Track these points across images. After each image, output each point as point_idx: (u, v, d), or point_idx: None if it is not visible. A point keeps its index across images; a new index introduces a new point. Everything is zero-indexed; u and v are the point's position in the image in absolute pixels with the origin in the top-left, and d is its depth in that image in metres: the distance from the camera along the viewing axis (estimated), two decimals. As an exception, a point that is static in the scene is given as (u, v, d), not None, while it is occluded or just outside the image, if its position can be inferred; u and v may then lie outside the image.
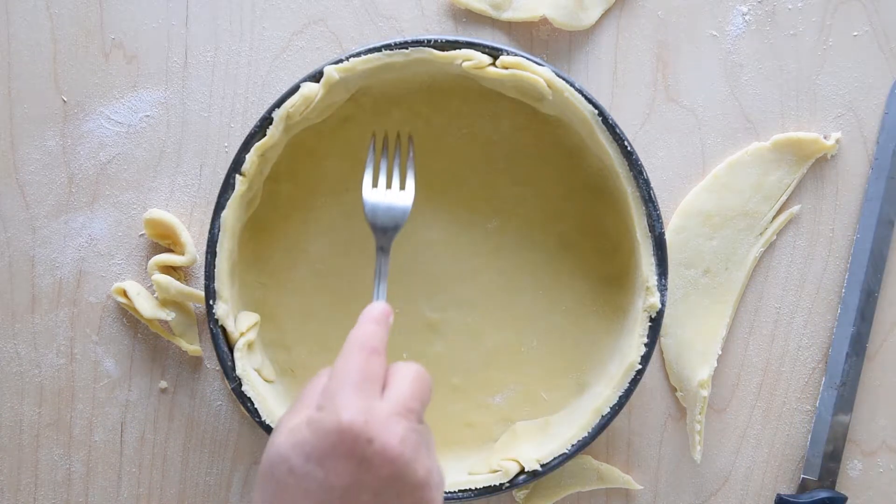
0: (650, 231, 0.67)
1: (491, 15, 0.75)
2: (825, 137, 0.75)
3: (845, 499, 0.74)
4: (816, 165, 0.76)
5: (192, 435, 0.76)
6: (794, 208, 0.76)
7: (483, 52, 0.67)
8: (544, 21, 0.74)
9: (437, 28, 0.75)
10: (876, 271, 0.75)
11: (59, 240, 0.76)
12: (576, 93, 0.66)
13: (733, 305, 0.75)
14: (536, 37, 0.75)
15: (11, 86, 0.75)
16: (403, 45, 0.66)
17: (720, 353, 0.74)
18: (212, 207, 0.67)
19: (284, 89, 0.67)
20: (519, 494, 0.76)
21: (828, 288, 0.76)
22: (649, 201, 0.67)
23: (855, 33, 0.75)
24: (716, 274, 0.75)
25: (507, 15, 0.74)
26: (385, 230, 0.66)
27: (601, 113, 0.66)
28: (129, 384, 0.76)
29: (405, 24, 0.75)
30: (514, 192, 0.74)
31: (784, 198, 0.75)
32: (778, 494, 0.75)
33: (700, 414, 0.73)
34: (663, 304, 0.67)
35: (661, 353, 0.76)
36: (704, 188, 0.75)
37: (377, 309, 0.57)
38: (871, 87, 0.75)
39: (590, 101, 0.66)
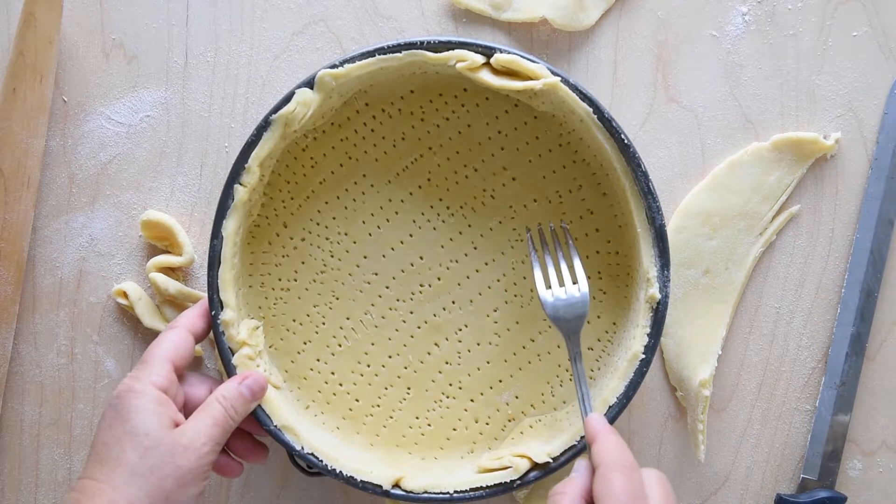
0: (650, 223, 0.67)
1: (491, 15, 0.75)
2: (825, 137, 0.75)
3: (845, 499, 0.74)
4: (816, 165, 0.76)
5: (192, 435, 0.76)
6: (794, 208, 0.76)
7: (477, 52, 0.67)
8: (544, 21, 0.74)
9: (437, 28, 0.75)
10: (876, 271, 0.75)
11: (59, 240, 0.76)
12: (570, 91, 0.66)
13: (733, 305, 0.75)
14: (536, 37, 0.75)
15: (12, 86, 0.75)
16: (397, 48, 0.66)
17: (720, 353, 0.74)
18: (212, 207, 0.67)
19: (285, 90, 0.67)
20: (519, 495, 0.76)
21: (827, 288, 0.76)
22: (648, 193, 0.66)
23: (855, 33, 0.75)
24: (716, 274, 0.75)
25: (506, 15, 0.74)
26: (569, 322, 0.67)
27: (596, 108, 0.66)
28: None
29: (405, 25, 0.75)
30: (515, 189, 0.74)
31: (784, 198, 0.75)
32: (778, 494, 0.75)
33: (702, 414, 0.73)
34: (665, 294, 0.66)
35: (662, 353, 0.76)
36: (704, 188, 0.75)
37: (600, 420, 0.61)
38: (871, 87, 0.75)
39: (585, 96, 0.66)
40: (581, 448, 0.67)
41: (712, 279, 0.75)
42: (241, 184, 0.66)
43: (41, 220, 0.75)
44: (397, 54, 0.66)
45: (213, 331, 0.67)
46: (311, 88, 0.66)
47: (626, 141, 0.66)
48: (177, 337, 0.64)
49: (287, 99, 0.66)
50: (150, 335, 0.76)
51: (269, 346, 0.73)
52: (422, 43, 0.66)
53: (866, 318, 0.75)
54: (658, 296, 0.66)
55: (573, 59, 0.76)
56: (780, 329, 0.76)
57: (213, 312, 0.67)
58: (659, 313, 0.67)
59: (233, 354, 0.68)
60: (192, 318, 0.67)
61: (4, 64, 0.74)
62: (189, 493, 0.60)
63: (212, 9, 0.75)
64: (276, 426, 0.67)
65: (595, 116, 0.66)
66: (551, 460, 0.67)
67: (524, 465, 0.67)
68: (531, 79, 0.67)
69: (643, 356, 0.67)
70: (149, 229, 0.75)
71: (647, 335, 0.67)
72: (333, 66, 0.66)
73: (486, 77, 0.67)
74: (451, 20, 0.75)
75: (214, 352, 0.75)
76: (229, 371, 0.67)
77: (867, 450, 0.76)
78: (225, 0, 0.75)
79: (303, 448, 0.67)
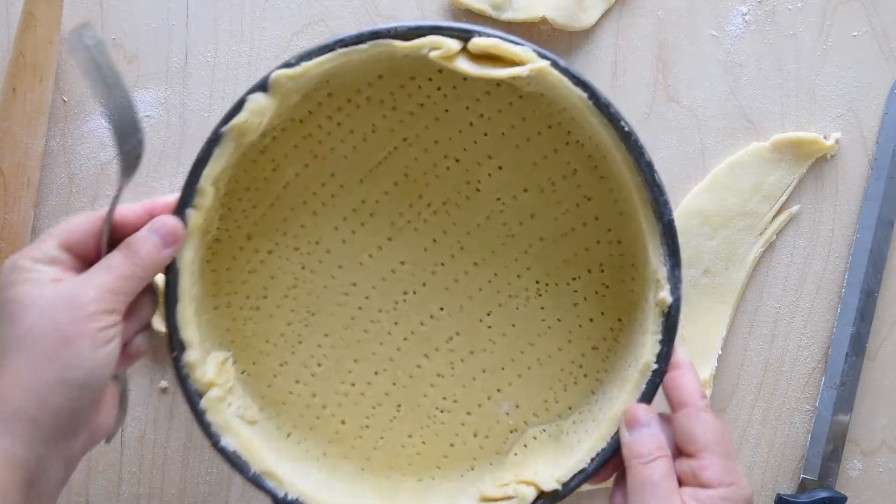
0: (657, 218, 0.59)
1: (491, 15, 0.75)
2: (825, 137, 0.75)
3: (845, 499, 0.74)
4: (816, 165, 0.76)
5: (192, 435, 0.76)
6: (794, 208, 0.76)
7: (452, 36, 0.59)
8: (544, 21, 0.74)
9: (437, 28, 0.75)
10: (876, 271, 0.75)
11: (59, 240, 0.76)
12: (561, 75, 0.58)
13: (733, 305, 0.75)
14: (536, 37, 0.75)
15: (12, 86, 0.75)
16: (360, 38, 0.58)
17: (720, 353, 0.74)
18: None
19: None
20: (519, 494, 0.75)
21: (827, 288, 0.76)
22: (654, 185, 0.59)
23: (855, 33, 0.75)
24: (716, 274, 0.75)
25: (507, 15, 0.74)
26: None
27: (592, 93, 0.58)
28: (130, 384, 0.76)
29: (405, 25, 0.75)
30: (503, 179, 0.67)
31: (784, 198, 0.75)
32: (778, 494, 0.75)
33: (700, 414, 0.73)
34: (677, 297, 0.59)
35: (661, 353, 0.76)
36: (704, 188, 0.75)
37: (685, 353, 0.60)
38: (871, 87, 0.76)
39: (578, 80, 0.58)
40: (592, 472, 0.60)
41: (712, 279, 0.75)
42: (193, 207, 0.58)
43: (41, 220, 0.75)
44: (361, 46, 0.58)
45: (176, 374, 0.60)
46: (266, 91, 0.58)
47: (626, 128, 0.58)
48: (77, 217, 0.54)
49: (238, 106, 0.58)
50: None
51: (242, 373, 0.66)
52: (389, 31, 0.58)
53: (866, 318, 0.75)
54: (669, 299, 0.59)
55: (573, 59, 0.76)
56: (780, 329, 0.76)
57: (173, 354, 0.59)
58: (671, 318, 0.59)
59: (201, 397, 0.60)
60: (124, 210, 0.55)
61: (4, 64, 0.74)
62: (83, 357, 0.50)
63: (212, 9, 0.75)
64: (254, 472, 0.60)
65: (591, 102, 0.58)
66: (560, 486, 0.61)
67: (530, 494, 0.61)
68: (516, 64, 0.59)
69: (655, 366, 0.59)
70: (149, 229, 0.75)
71: (659, 342, 0.59)
72: (288, 65, 0.58)
73: (464, 66, 0.59)
74: (451, 20, 0.75)
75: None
76: (198, 417, 0.60)
77: (867, 450, 0.76)
78: (225, 0, 0.75)
79: (287, 495, 0.61)
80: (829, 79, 0.76)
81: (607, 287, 0.67)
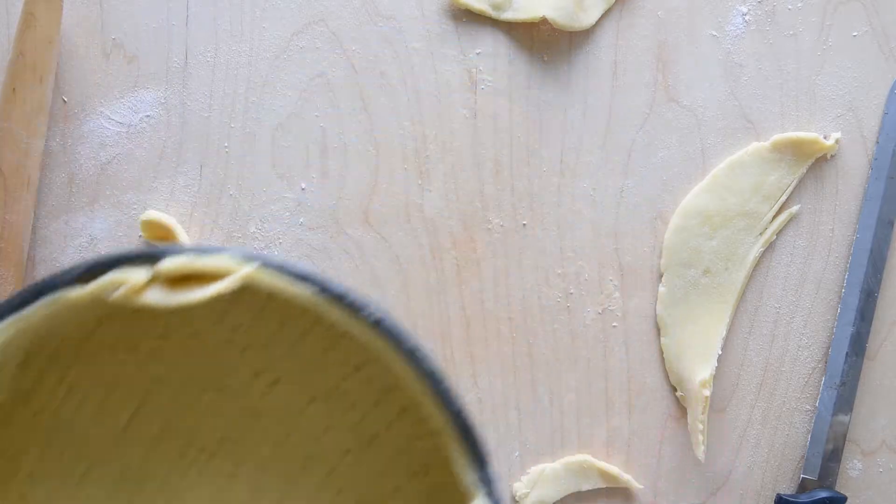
0: (447, 412, 0.45)
1: (491, 15, 0.75)
2: (825, 137, 0.75)
3: (845, 499, 0.74)
4: (816, 165, 0.76)
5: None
6: (794, 208, 0.76)
7: (138, 264, 0.45)
8: (544, 21, 0.74)
9: (438, 28, 0.75)
10: (876, 271, 0.75)
11: (59, 240, 0.76)
12: (276, 277, 0.45)
13: (733, 305, 0.75)
14: (537, 37, 0.76)
15: (11, 86, 0.75)
16: (23, 300, 0.44)
17: (720, 353, 0.74)
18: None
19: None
20: (519, 495, 0.76)
21: (827, 288, 0.76)
22: (427, 375, 0.45)
23: (855, 33, 0.75)
24: (716, 274, 0.75)
25: (506, 15, 0.74)
26: None
27: (322, 287, 0.45)
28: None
29: (405, 24, 0.75)
30: (281, 395, 0.56)
31: (784, 198, 0.75)
32: (778, 494, 0.75)
33: (702, 413, 0.73)
34: (496, 501, 0.44)
35: (662, 353, 0.76)
36: (704, 188, 0.75)
37: None
38: (871, 87, 0.76)
39: (300, 276, 0.45)
40: None
41: (712, 279, 0.75)
42: None
43: (41, 220, 0.75)
44: (29, 309, 0.44)
45: None
46: None
47: (373, 318, 0.45)
48: None
49: None
50: (149, 335, 0.76)
51: None
52: (56, 281, 0.44)
53: (866, 318, 0.75)
54: None
55: (573, 59, 0.76)
56: (780, 329, 0.76)
57: None
58: None
59: None
60: None
61: (4, 64, 0.74)
62: None
63: (212, 9, 0.75)
64: None
65: (323, 297, 0.45)
66: None
67: None
68: (221, 277, 0.45)
69: None
70: (149, 229, 0.75)
71: None
72: None
73: (155, 298, 0.45)
74: (451, 20, 0.75)
75: None
76: None
77: (867, 450, 0.76)
78: (225, 0, 0.75)
79: None
80: (829, 79, 0.76)
81: (441, 490, 0.52)
